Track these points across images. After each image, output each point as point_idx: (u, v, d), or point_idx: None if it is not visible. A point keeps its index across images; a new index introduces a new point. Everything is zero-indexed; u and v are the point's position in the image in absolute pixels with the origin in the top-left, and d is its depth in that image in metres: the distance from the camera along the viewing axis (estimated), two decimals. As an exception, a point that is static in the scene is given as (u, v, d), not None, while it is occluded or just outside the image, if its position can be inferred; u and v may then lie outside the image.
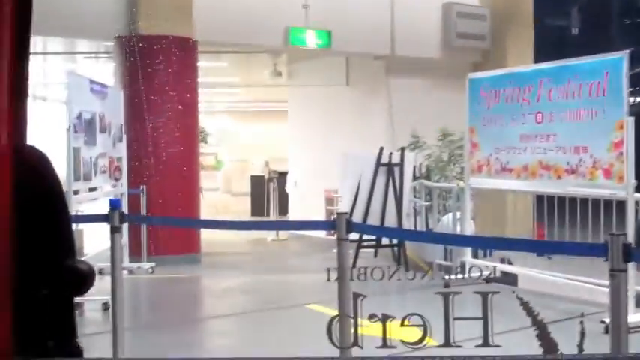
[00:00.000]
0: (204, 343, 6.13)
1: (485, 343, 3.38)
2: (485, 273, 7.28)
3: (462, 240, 6.14)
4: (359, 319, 4.07)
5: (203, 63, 10.60)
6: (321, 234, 11.30)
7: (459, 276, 7.67)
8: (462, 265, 7.99)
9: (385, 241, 9.23)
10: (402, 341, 3.46)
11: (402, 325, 3.36)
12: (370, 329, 3.54)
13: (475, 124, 7.98)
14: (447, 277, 7.69)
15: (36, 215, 1.41)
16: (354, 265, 7.74)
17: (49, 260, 1.44)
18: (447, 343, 3.39)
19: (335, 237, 4.29)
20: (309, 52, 11.09)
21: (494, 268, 7.43)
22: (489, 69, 8.84)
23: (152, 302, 7.94)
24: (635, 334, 5.68)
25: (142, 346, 5.40)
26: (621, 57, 6.25)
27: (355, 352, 3.67)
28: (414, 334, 3.55)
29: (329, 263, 7.01)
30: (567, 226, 7.43)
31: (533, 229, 9.46)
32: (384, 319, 3.38)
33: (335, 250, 4.25)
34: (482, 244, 6.95)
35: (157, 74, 9.28)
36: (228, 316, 6.98)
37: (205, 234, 9.88)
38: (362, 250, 8.91)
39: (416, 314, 3.28)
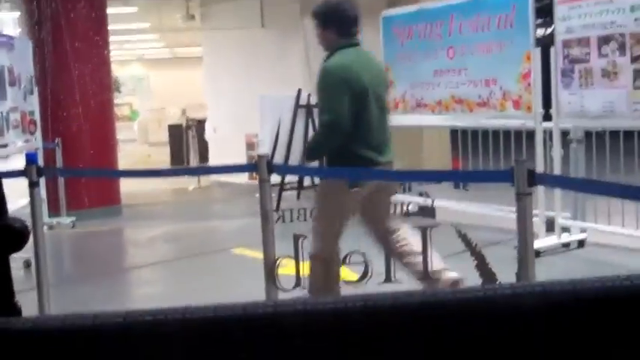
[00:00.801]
0: (130, 293, 6.15)
1: (426, 277, 3.52)
2: (411, 208, 7.49)
3: (380, 174, 6.28)
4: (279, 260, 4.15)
5: (112, 10, 10.30)
6: (244, 180, 11.32)
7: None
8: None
9: (307, 182, 9.34)
10: (345, 281, 3.58)
11: (344, 263, 3.47)
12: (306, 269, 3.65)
13: (390, 61, 8.07)
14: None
15: None
16: (277, 209, 7.82)
17: None
18: (388, 279, 3.51)
19: (257, 182, 4.35)
20: (222, -5, 10.93)
21: (419, 202, 7.63)
22: (403, 6, 8.90)
23: (75, 257, 7.87)
24: (547, 257, 6.01)
25: (67, 301, 5.37)
26: (527, -10, 6.42)
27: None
28: (354, 272, 3.67)
29: (252, 208, 7.08)
30: (481, 157, 7.68)
31: (450, 161, 9.73)
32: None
33: (258, 195, 4.31)
34: (398, 178, 7.14)
35: (65, 23, 8.98)
36: (154, 265, 6.99)
37: (125, 186, 9.77)
38: (285, 192, 9.01)
39: (356, 252, 3.39)
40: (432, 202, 7.10)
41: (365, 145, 4.20)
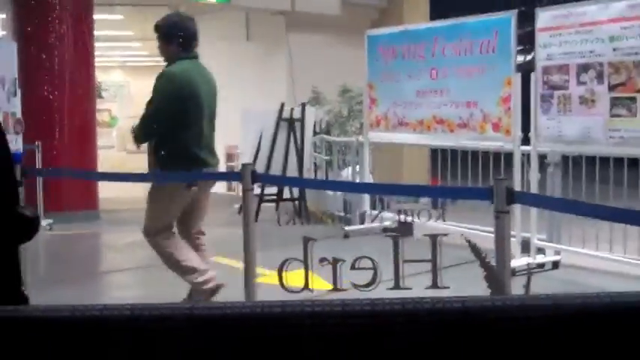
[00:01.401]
0: (108, 296, 6.14)
1: (435, 285, 3.57)
2: (386, 223, 7.59)
3: (360, 187, 6.39)
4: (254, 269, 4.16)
5: (98, 16, 10.32)
6: (222, 190, 11.32)
7: (359, 226, 7.95)
8: (362, 217, 8.27)
9: (286, 195, 9.39)
10: (354, 285, 3.58)
11: (353, 268, 3.53)
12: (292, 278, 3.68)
13: (374, 79, 8.19)
14: (346, 227, 7.95)
15: None
16: (255, 219, 7.86)
17: (3, 208, 1.46)
18: (396, 286, 3.53)
19: (235, 193, 4.44)
20: (208, 6, 10.99)
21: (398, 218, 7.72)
22: (387, 26, 9.04)
23: (53, 259, 7.82)
24: (522, 277, 6.11)
25: (46, 301, 5.36)
26: (510, 16, 6.57)
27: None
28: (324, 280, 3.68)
29: (230, 218, 7.11)
30: (459, 176, 7.80)
31: (429, 180, 9.84)
32: (335, 262, 3.53)
33: (236, 206, 4.38)
34: (378, 191, 7.26)
35: (51, 27, 8.99)
36: (132, 270, 7.00)
37: (103, 192, 9.74)
38: (263, 204, 9.04)
39: (366, 257, 3.44)
40: (443, 211, 7.14)
41: (199, 147, 4.70)
